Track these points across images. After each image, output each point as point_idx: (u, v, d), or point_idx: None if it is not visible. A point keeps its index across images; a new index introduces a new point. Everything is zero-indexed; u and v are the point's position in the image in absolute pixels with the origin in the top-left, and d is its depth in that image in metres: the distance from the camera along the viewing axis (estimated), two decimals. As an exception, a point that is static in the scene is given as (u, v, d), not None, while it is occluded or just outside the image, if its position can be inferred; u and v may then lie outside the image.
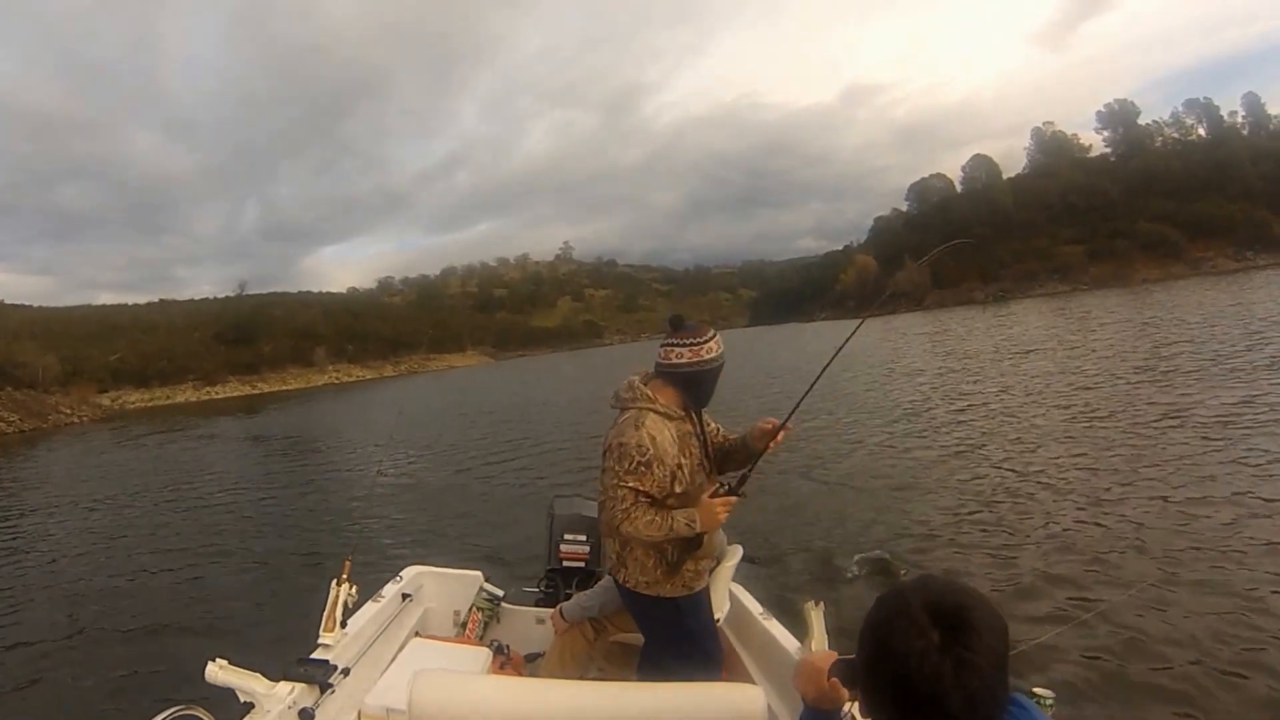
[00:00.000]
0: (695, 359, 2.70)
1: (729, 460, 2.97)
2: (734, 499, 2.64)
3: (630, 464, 2.59)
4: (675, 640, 2.95)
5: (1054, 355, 22.24)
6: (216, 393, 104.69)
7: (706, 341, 2.71)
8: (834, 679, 1.52)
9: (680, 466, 2.68)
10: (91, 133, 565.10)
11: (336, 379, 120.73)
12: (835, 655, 1.58)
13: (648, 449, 2.58)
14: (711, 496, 2.66)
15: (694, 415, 2.84)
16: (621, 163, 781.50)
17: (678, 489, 2.69)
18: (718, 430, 3.02)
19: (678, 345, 2.72)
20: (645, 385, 2.78)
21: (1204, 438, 9.54)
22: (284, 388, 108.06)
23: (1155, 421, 10.84)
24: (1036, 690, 2.14)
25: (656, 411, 2.69)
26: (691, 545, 2.74)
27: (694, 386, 2.75)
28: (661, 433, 2.64)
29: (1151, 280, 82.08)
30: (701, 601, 2.97)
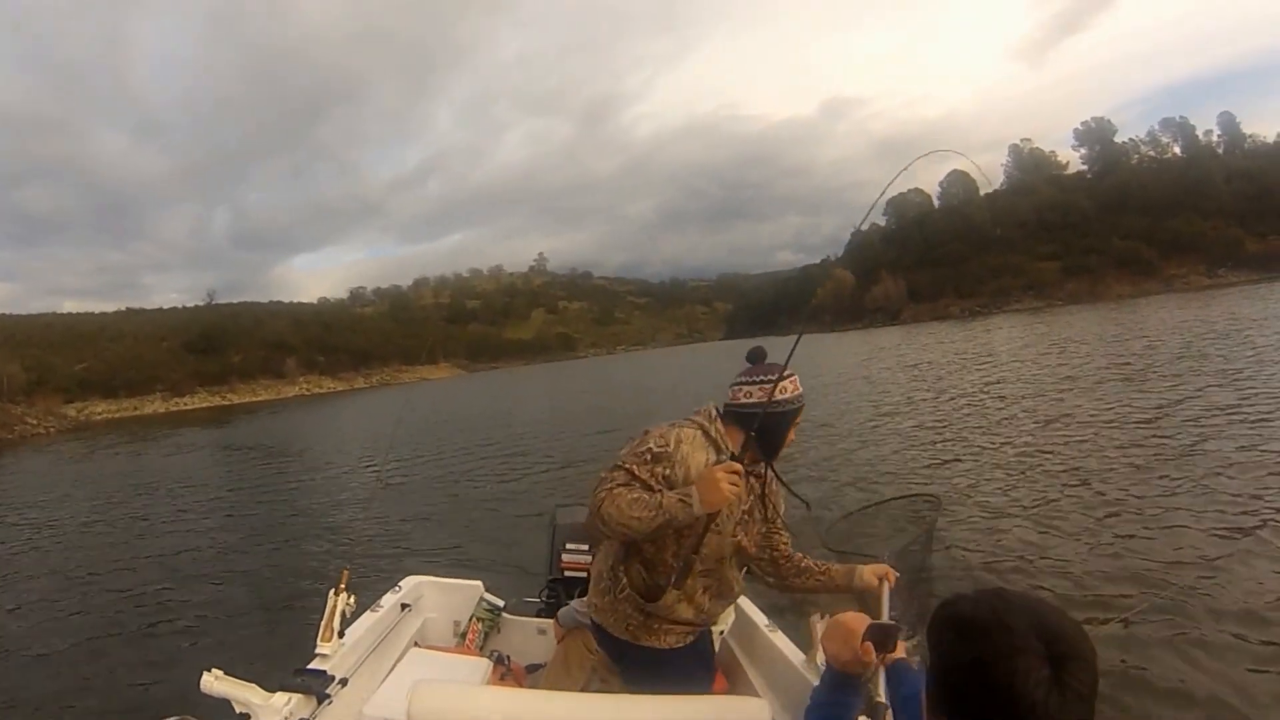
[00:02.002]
0: (769, 397, 2.34)
1: (799, 578, 2.65)
2: (739, 466, 2.20)
3: (641, 448, 2.33)
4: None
5: (1032, 367, 22.64)
6: (185, 404, 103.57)
7: (786, 379, 2.37)
8: (867, 643, 1.54)
9: None
10: (58, 132, 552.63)
11: (307, 391, 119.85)
12: (867, 619, 1.61)
13: (667, 445, 2.32)
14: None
15: (763, 471, 2.50)
16: (598, 173, 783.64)
17: None
18: (787, 543, 2.67)
19: (746, 385, 2.42)
20: (717, 417, 2.47)
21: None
22: (254, 399, 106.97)
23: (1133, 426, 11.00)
24: None
25: (706, 434, 2.40)
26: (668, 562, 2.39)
27: (764, 431, 2.37)
28: (695, 451, 2.34)
29: (1125, 297, 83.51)
30: (657, 663, 2.55)
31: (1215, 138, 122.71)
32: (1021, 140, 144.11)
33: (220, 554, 9.88)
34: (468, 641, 3.88)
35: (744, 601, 3.61)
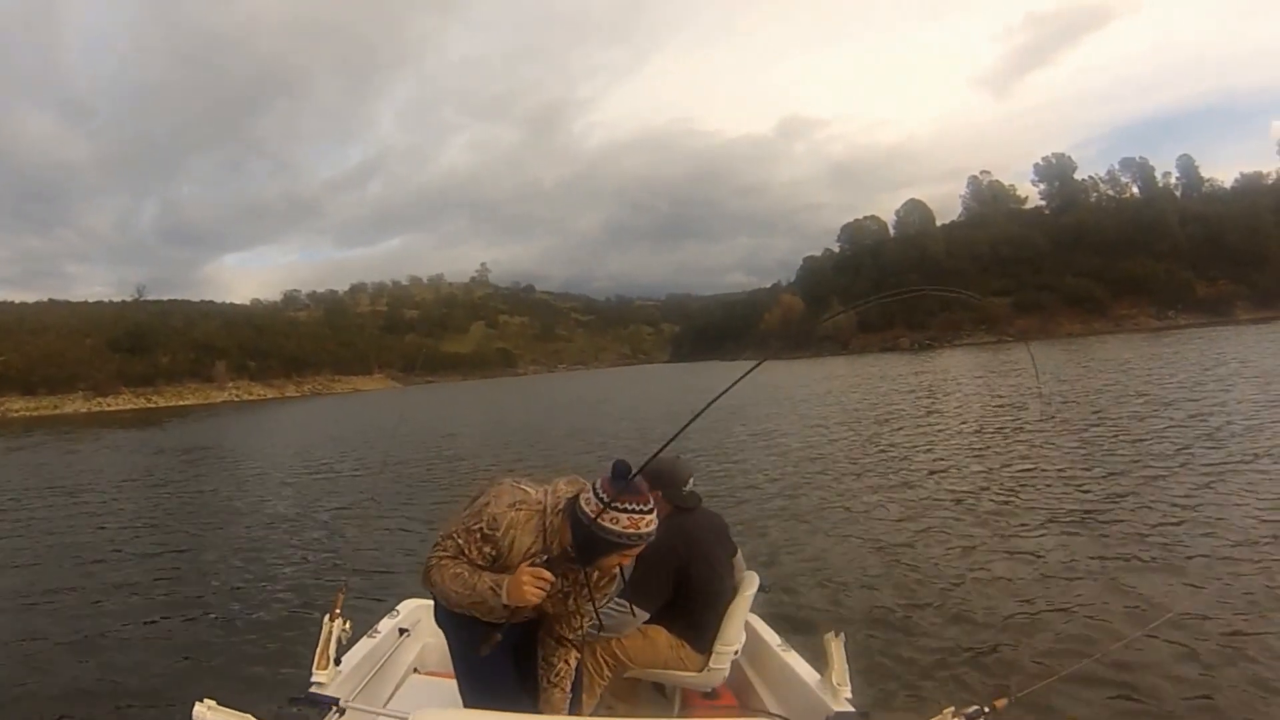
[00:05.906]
0: (595, 517, 2.30)
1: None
2: (549, 575, 2.32)
3: (474, 524, 2.45)
4: (450, 642, 2.81)
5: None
6: (109, 405, 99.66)
7: (621, 511, 2.29)
8: None
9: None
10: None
11: (236, 396, 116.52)
12: None
13: (497, 530, 2.42)
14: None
15: (582, 569, 2.49)
16: (545, 182, 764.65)
17: None
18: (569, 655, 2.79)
19: (592, 494, 2.35)
20: (561, 508, 2.46)
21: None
22: (180, 403, 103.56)
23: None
24: None
25: (542, 521, 2.45)
26: (489, 624, 2.50)
27: (581, 543, 2.39)
28: (523, 536, 2.42)
29: (1075, 335, 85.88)
30: (470, 630, 2.59)
31: (1174, 180, 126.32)
32: (981, 172, 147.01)
33: (198, 571, 8.97)
34: (469, 667, 3.73)
35: (755, 620, 3.56)
